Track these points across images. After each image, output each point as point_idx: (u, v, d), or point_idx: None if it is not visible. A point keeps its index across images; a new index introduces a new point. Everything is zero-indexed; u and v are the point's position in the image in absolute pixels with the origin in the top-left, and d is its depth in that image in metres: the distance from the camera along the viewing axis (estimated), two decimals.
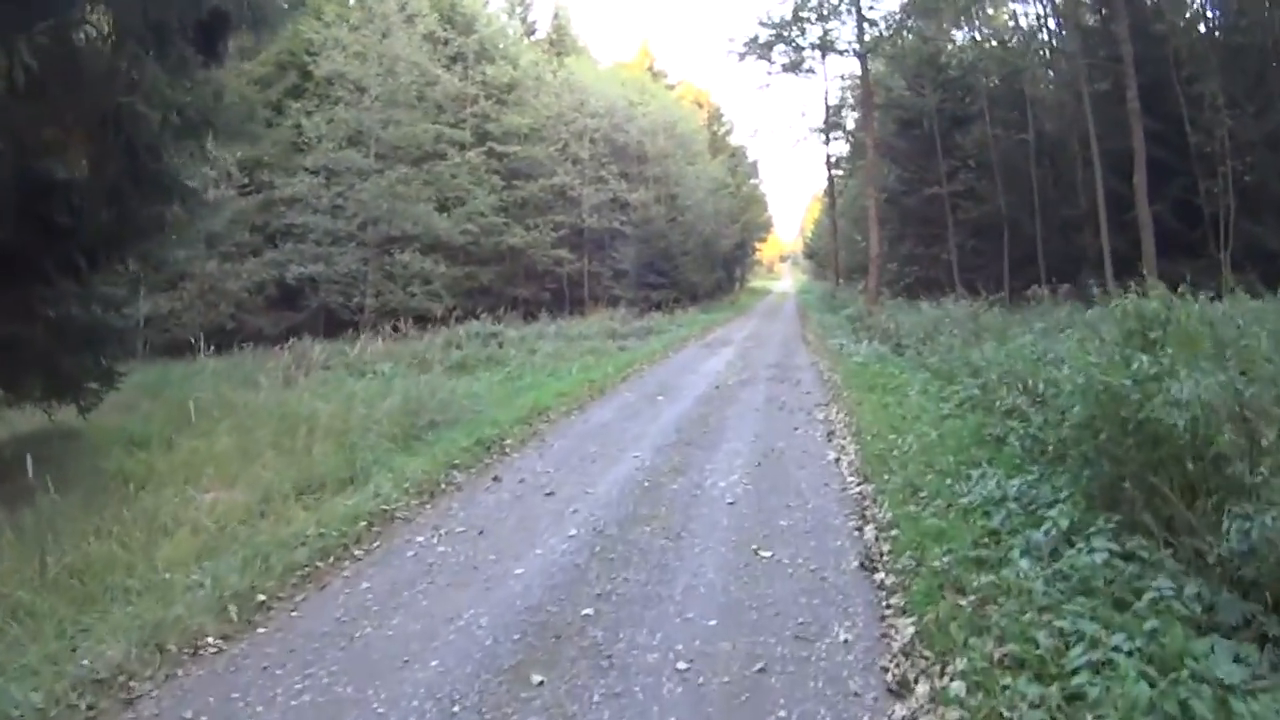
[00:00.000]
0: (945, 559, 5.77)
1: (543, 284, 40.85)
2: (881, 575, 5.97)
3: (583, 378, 16.93)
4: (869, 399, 12.87)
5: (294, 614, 5.81)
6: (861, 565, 6.21)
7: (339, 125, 30.68)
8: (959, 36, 38.96)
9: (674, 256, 41.08)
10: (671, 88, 58.19)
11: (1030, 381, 9.04)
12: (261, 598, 5.99)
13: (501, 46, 41.55)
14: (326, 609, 5.86)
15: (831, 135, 42.87)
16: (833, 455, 9.85)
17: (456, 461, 9.83)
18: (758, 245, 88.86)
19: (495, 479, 9.35)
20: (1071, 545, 5.43)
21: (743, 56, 30.86)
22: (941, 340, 16.15)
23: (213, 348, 21.57)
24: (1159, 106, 26.24)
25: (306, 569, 6.58)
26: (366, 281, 30.33)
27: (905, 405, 12.00)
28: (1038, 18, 36.06)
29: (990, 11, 37.54)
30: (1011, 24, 37.91)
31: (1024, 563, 5.41)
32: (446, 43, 38.32)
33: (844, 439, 10.69)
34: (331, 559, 6.87)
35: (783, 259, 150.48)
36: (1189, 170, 26.18)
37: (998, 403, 9.59)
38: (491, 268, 38.55)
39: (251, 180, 29.70)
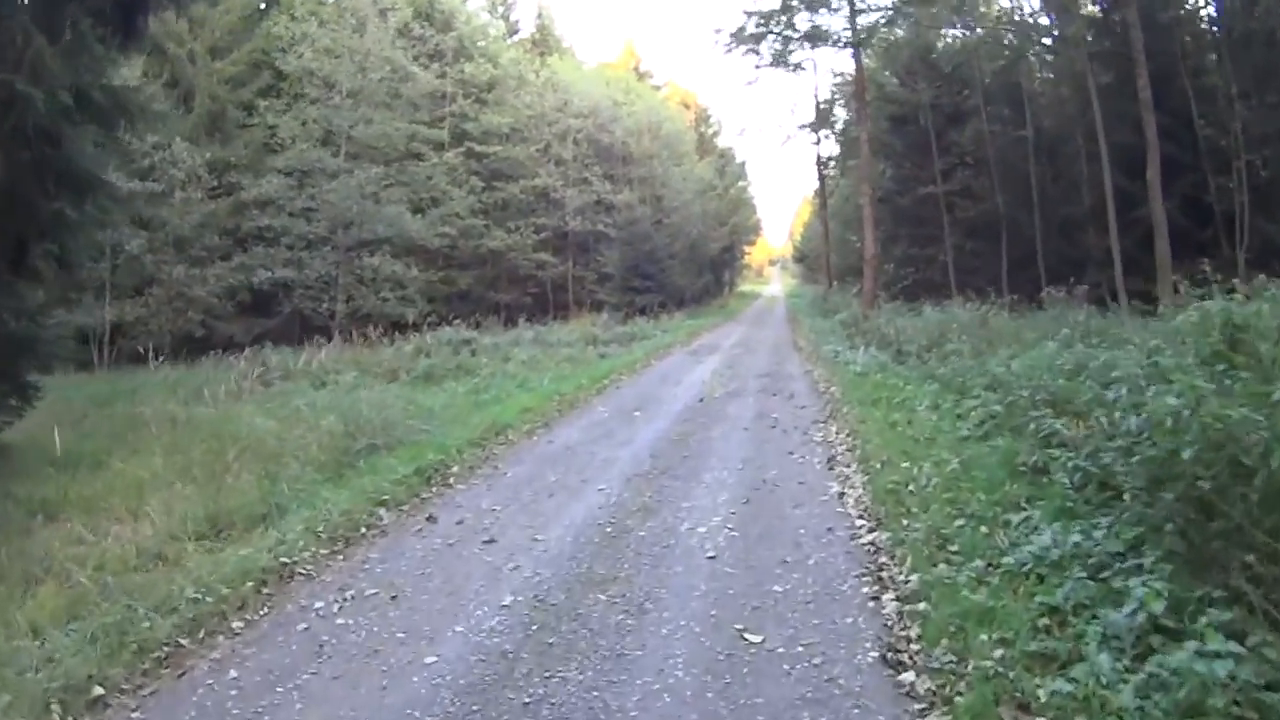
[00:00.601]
0: (997, 653, 4.22)
1: (525, 288, 39.33)
2: (912, 676, 4.37)
3: (554, 390, 15.32)
4: (873, 415, 11.29)
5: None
6: (883, 658, 4.61)
7: (309, 125, 29.07)
8: (952, 33, 37.48)
9: (660, 260, 39.45)
10: (658, 88, 56.64)
11: (1074, 401, 7.47)
12: (99, 691, 4.55)
13: (481, 44, 39.89)
14: (173, 712, 4.41)
15: (822, 133, 41.37)
16: (835, 489, 8.26)
17: (386, 496, 8.24)
18: (746, 249, 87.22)
19: (429, 519, 7.78)
20: (1165, 633, 3.98)
21: (729, 49, 29.24)
22: (949, 347, 14.61)
23: (179, 356, 20.70)
24: (1166, 100, 24.74)
25: (167, 648, 5.07)
26: (337, 286, 28.68)
27: (916, 424, 10.45)
28: (1033, 10, 34.61)
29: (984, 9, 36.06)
30: (1007, 16, 36.33)
31: (1103, 659, 3.91)
32: (424, 40, 36.83)
33: (848, 466, 9.10)
34: (202, 633, 5.33)
35: (772, 263, 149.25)
36: (1198, 166, 24.76)
37: (1031, 425, 8.00)
38: (471, 272, 37.05)
39: (221, 183, 28.24)
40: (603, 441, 10.97)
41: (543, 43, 48.50)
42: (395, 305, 29.53)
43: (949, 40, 36.74)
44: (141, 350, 22.10)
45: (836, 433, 10.96)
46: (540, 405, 13.72)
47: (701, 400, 14.18)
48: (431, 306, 32.69)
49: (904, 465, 8.39)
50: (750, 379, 16.98)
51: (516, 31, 48.62)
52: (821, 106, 39.60)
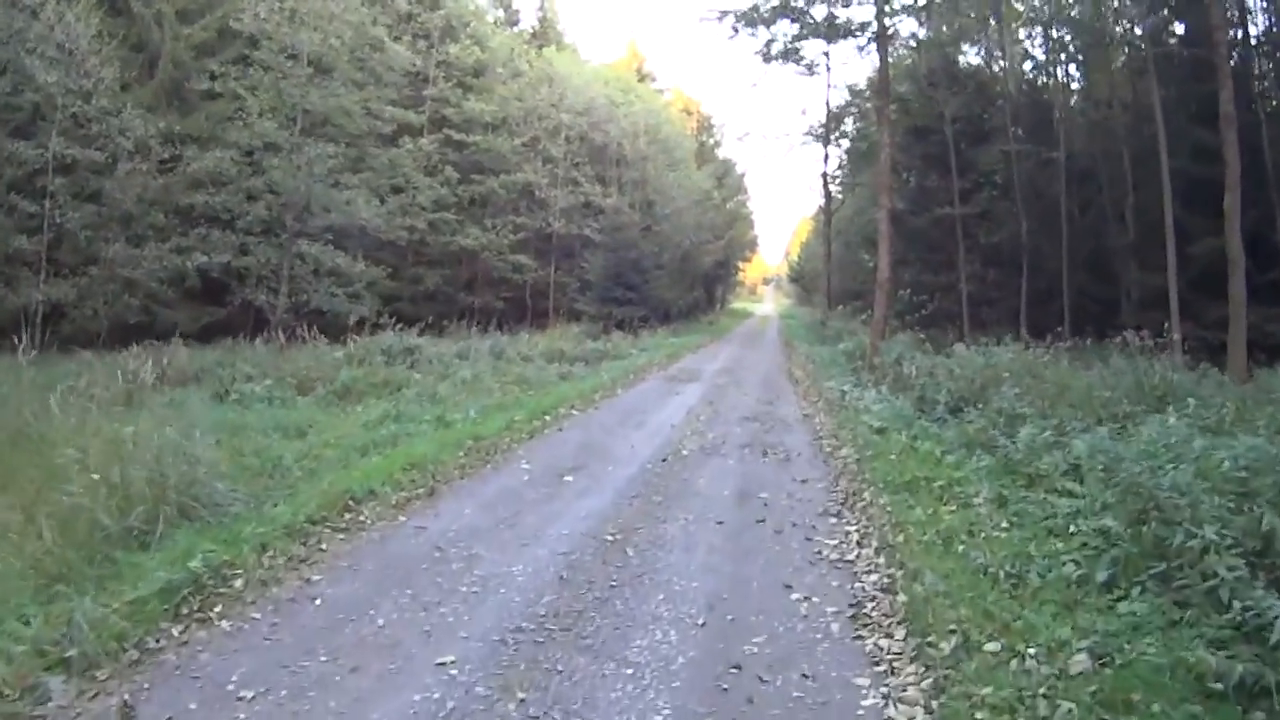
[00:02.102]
0: None
1: (499, 292, 35.37)
2: None
3: (470, 431, 11.31)
4: (912, 516, 7.29)
5: None
6: None
7: (259, 93, 25.13)
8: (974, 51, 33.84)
9: (645, 270, 35.37)
10: (660, 92, 52.94)
11: None
12: None
13: (471, 25, 35.99)
14: None
15: (831, 143, 37.37)
16: (878, 694, 4.34)
17: (70, 653, 4.33)
18: (741, 265, 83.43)
19: None
20: None
21: (735, 33, 25.32)
22: (998, 404, 10.73)
23: (115, 344, 18.05)
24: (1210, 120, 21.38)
25: None
26: (281, 277, 24.68)
27: (983, 539, 6.57)
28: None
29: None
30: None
31: None
32: (410, 18, 33.03)
33: (889, 633, 5.14)
34: None
35: (766, 281, 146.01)
36: (1266, 198, 21.00)
37: (1205, 581, 4.22)
38: (440, 270, 33.06)
39: (176, 157, 24.48)
40: (489, 540, 6.96)
41: (543, 35, 45.01)
42: (343, 302, 25.52)
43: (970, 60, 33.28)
44: (84, 334, 20.00)
45: (859, 542, 6.98)
46: (442, 456, 9.76)
47: (665, 459, 10.20)
48: (395, 306, 28.93)
49: (990, 647, 4.56)
50: (734, 424, 13.07)
51: (516, 22, 45.05)
52: (834, 111, 35.63)
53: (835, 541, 6.98)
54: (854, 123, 35.39)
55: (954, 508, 7.54)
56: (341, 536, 6.95)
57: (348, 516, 7.40)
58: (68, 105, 20.24)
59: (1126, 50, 28.13)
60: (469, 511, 7.77)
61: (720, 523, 7.49)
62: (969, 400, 12.11)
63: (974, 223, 29.85)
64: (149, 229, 23.64)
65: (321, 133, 26.20)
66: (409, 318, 27.03)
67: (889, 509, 7.56)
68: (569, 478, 9.17)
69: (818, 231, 66.52)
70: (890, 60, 24.81)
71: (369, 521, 7.34)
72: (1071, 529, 6.47)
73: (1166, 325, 21.26)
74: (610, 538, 6.95)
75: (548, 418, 12.99)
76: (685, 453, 10.62)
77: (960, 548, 6.31)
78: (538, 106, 36.86)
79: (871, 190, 36.44)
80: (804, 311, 64.80)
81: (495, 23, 41.63)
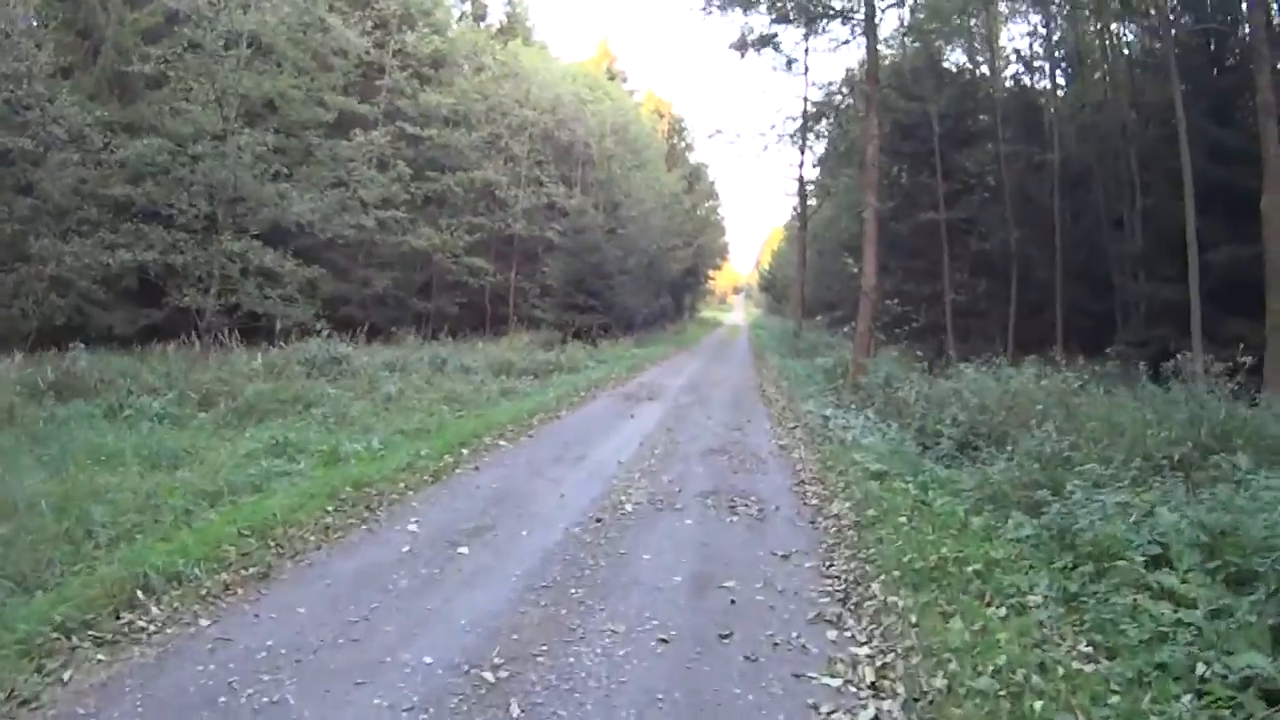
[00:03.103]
0: None
1: (454, 297, 32.71)
2: None
3: (358, 472, 8.76)
4: (952, 634, 4.78)
5: None
6: None
7: (193, 77, 22.47)
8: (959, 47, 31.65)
9: (609, 275, 32.62)
10: (631, 93, 50.42)
11: None
12: None
13: (430, 14, 33.33)
14: None
15: (809, 142, 34.95)
16: None
17: None
18: (712, 273, 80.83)
19: None
20: None
21: (708, 9, 22.93)
22: (1035, 445, 8.35)
23: (40, 347, 16.71)
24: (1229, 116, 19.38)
25: None
26: (212, 277, 21.98)
27: (1065, 675, 4.24)
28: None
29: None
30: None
31: None
32: (366, 3, 30.36)
33: None
34: None
35: (736, 290, 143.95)
36: None
37: None
38: (390, 273, 30.29)
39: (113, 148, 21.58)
40: (314, 670, 4.50)
41: (510, 31, 42.34)
42: (277, 305, 22.83)
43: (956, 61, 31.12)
44: (17, 335, 18.23)
45: (876, 685, 4.47)
46: (302, 512, 7.25)
47: (600, 520, 7.63)
48: (343, 310, 27.08)
49: None
50: (696, 459, 10.60)
51: (484, 16, 42.44)
52: (811, 110, 33.15)
53: (838, 682, 4.48)
54: (834, 119, 32.95)
55: (1003, 612, 5.09)
56: (102, 656, 4.47)
57: (126, 618, 4.90)
58: None
59: (1131, 45, 26.04)
60: (304, 611, 5.25)
61: (664, 640, 4.96)
62: (986, 436, 9.73)
63: (959, 229, 27.62)
64: (82, 223, 21.22)
65: (264, 122, 23.71)
66: (356, 323, 25.03)
67: (913, 619, 5.07)
68: (464, 548, 6.67)
69: (791, 238, 64.34)
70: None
71: (153, 629, 4.85)
72: (1200, 669, 4.08)
73: (1174, 345, 19.16)
74: (490, 678, 4.40)
75: (465, 451, 10.45)
76: (629, 507, 8.09)
77: (1037, 704, 3.85)
78: (501, 102, 34.32)
79: (852, 191, 34.32)
80: (775, 321, 62.39)
81: (461, 17, 39.22)
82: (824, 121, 33.95)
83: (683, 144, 57.16)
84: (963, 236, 28.02)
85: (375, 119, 30.17)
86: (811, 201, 38.74)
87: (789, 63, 29.14)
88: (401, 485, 8.62)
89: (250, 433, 10.97)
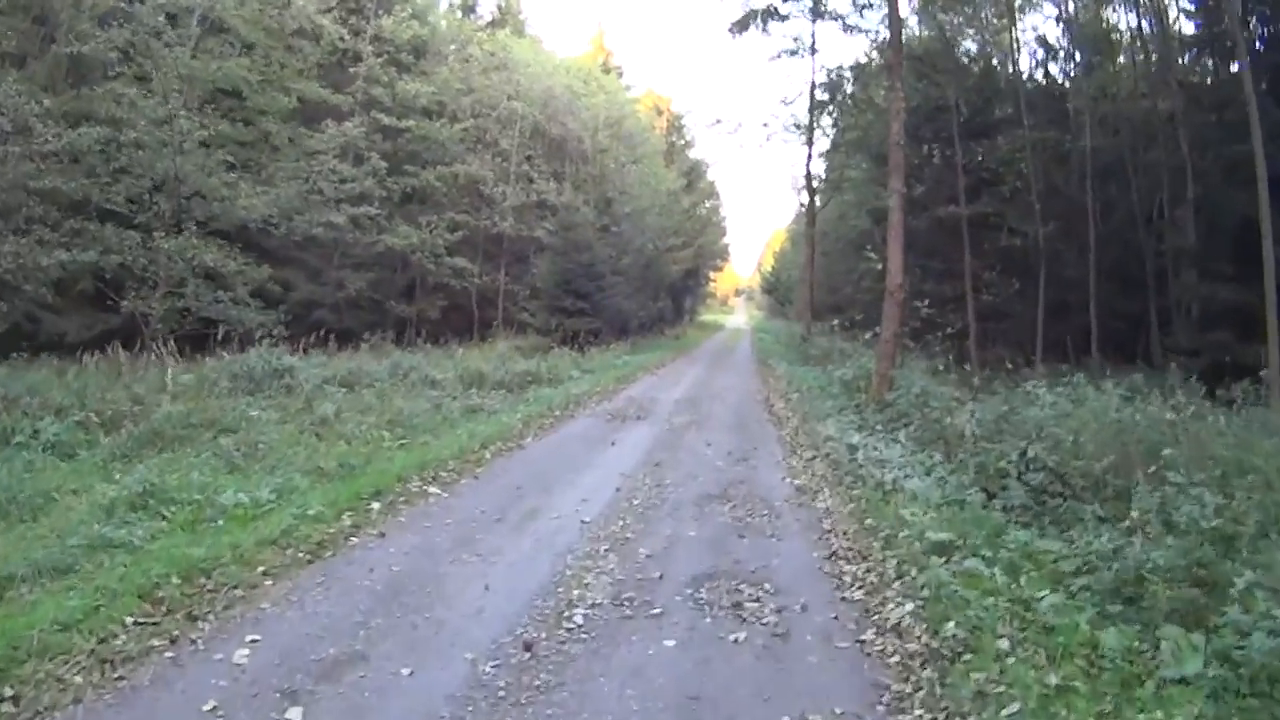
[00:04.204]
0: None
1: (436, 300, 29.90)
2: None
3: (211, 548, 6.05)
4: None
5: None
6: None
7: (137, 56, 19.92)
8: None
9: (600, 276, 29.54)
10: (628, 88, 47.50)
11: None
12: None
13: None
14: None
15: (818, 127, 32.03)
16: None
17: None
18: (712, 275, 77.76)
19: None
20: None
21: None
22: (1183, 507, 5.61)
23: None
24: None
25: None
26: (159, 279, 19.29)
27: None
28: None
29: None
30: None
31: None
32: None
33: None
34: None
35: (738, 293, 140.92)
36: None
37: None
38: (365, 274, 27.47)
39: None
40: None
41: (501, 23, 39.49)
42: (228, 308, 20.10)
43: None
44: None
45: None
46: (91, 620, 4.63)
47: (529, 647, 4.76)
48: (316, 315, 24.52)
49: None
50: (687, 516, 7.76)
51: (474, 8, 39.63)
52: (820, 94, 30.29)
53: None
54: (848, 99, 30.11)
55: None
56: None
57: None
58: None
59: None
60: None
61: None
62: (1078, 484, 6.98)
63: (981, 225, 24.86)
64: (31, 222, 18.28)
65: (219, 109, 21.11)
66: (328, 328, 22.13)
67: None
68: (296, 711, 3.92)
69: (795, 239, 61.52)
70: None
71: None
72: None
73: (1234, 353, 16.44)
74: None
75: (376, 506, 7.63)
76: (581, 611, 5.26)
77: None
78: (488, 94, 31.52)
79: (863, 185, 31.56)
80: (779, 325, 59.36)
81: (450, 6, 36.58)
82: (832, 111, 31.14)
83: (682, 141, 54.23)
84: (985, 233, 25.30)
85: (351, 109, 27.40)
86: (817, 200, 35.89)
87: (795, 43, 26.27)
88: (261, 570, 5.85)
89: (120, 475, 8.24)
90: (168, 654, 4.59)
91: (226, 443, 9.67)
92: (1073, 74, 27.86)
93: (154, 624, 4.91)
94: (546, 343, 26.13)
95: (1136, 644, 4.52)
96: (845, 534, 7.12)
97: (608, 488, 8.69)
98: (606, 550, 6.52)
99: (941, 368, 15.44)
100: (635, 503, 8.08)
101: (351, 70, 27.94)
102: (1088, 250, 22.61)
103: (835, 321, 22.61)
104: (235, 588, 5.50)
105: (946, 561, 5.98)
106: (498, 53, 33.16)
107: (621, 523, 7.33)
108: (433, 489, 8.38)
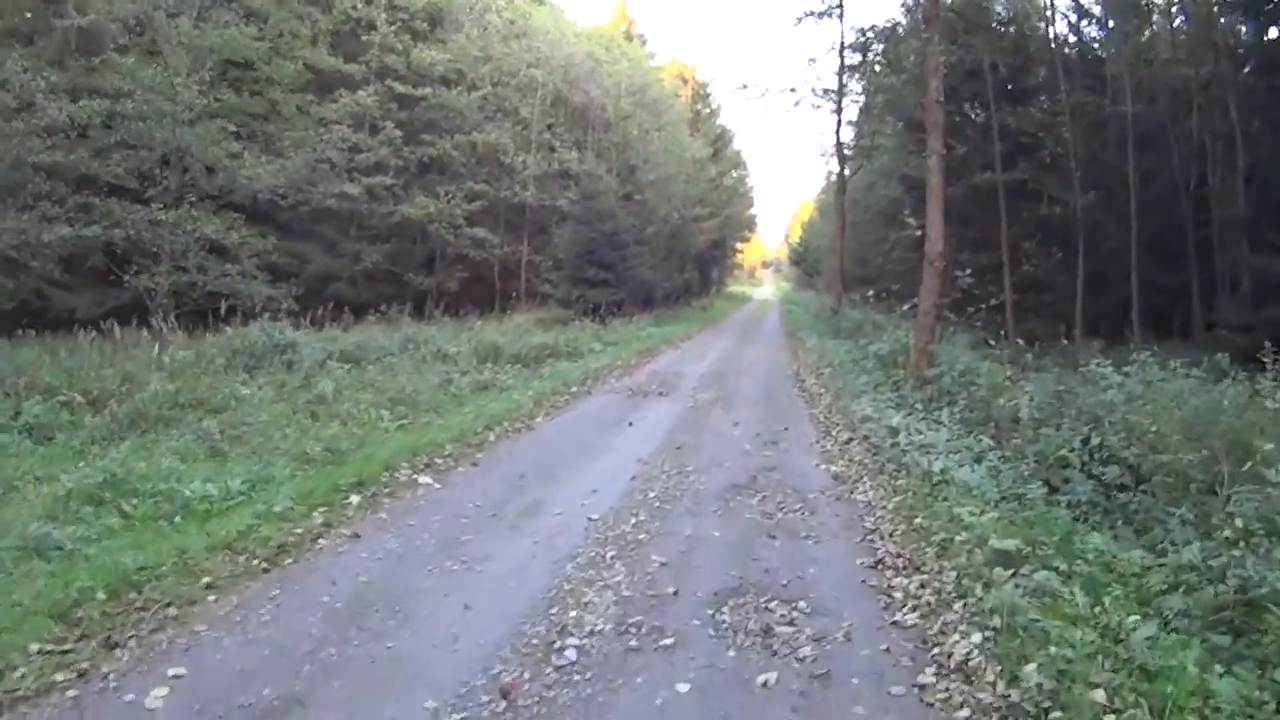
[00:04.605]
0: None
1: (454, 271, 28.92)
2: None
3: (156, 552, 5.20)
4: None
5: None
6: None
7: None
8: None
9: (624, 245, 28.34)
10: (652, 55, 46.07)
11: None
12: None
13: None
14: None
15: (848, 91, 30.58)
16: None
17: None
18: (740, 246, 76.15)
19: None
20: None
21: None
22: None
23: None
24: None
25: None
26: (162, 254, 18.49)
27: None
28: None
29: None
30: None
31: None
32: None
33: None
34: None
35: (765, 264, 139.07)
36: None
37: None
38: (381, 246, 26.55)
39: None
40: None
41: None
42: (236, 281, 19.30)
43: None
44: None
45: None
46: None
47: (507, 695, 3.79)
48: (333, 288, 24.01)
49: None
50: (709, 511, 6.79)
51: None
52: (849, 53, 28.84)
53: None
54: (881, 55, 28.66)
55: None
56: None
57: None
58: None
59: None
60: None
61: None
62: (1154, 479, 5.96)
63: (1017, 193, 23.56)
64: (39, 198, 17.87)
65: (228, 81, 20.31)
66: (344, 302, 21.89)
67: None
68: None
69: (823, 209, 60.05)
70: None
71: None
72: None
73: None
74: None
75: (355, 499, 6.70)
76: (574, 643, 4.25)
77: None
78: (507, 62, 30.35)
79: (894, 151, 30.21)
80: (808, 297, 57.93)
81: None
82: (863, 73, 29.69)
83: (707, 110, 52.69)
84: (1021, 201, 23.99)
85: (365, 78, 26.44)
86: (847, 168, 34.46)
87: (823, 4, 24.89)
88: (205, 582, 4.95)
89: (90, 461, 7.41)
90: (70, 692, 3.73)
91: (211, 424, 8.81)
92: (1109, 38, 26.39)
93: (63, 653, 4.04)
94: (568, 315, 25.16)
95: (1256, 693, 3.53)
96: (891, 536, 6.11)
97: (622, 477, 7.71)
98: (614, 557, 5.54)
99: (984, 342, 14.36)
100: (651, 495, 7.10)
101: (365, 39, 26.93)
102: (1127, 220, 21.34)
103: (870, 292, 21.46)
104: (169, 605, 4.61)
105: (1013, 574, 4.98)
106: (517, 20, 32.07)
107: (634, 520, 6.35)
108: (424, 478, 7.44)
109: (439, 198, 26.87)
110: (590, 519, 6.37)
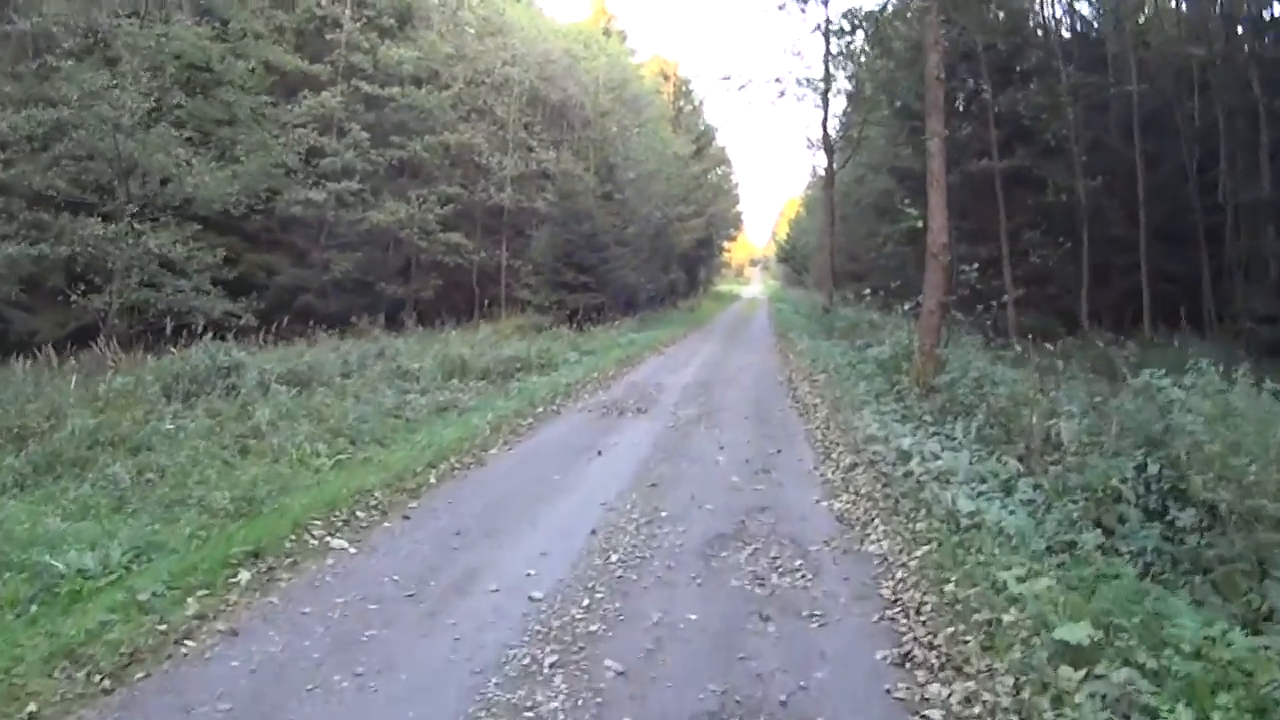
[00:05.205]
0: None
1: (428, 280, 27.51)
2: None
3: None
4: None
5: None
6: None
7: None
8: None
9: (604, 247, 26.89)
10: (632, 52, 44.64)
11: None
12: None
13: None
14: None
15: (835, 80, 29.28)
16: None
17: None
18: (726, 245, 74.58)
19: None
20: None
21: None
22: None
23: None
24: None
25: None
26: (113, 270, 17.10)
27: None
28: None
29: None
30: None
31: None
32: None
33: None
34: None
35: (753, 263, 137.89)
36: None
37: None
38: (351, 254, 25.08)
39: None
40: None
41: None
42: (189, 297, 17.94)
43: None
44: None
45: None
46: None
47: None
48: (302, 300, 22.75)
49: None
50: (685, 579, 5.38)
51: None
52: (834, 40, 27.50)
53: None
54: (860, 54, 27.39)
55: None
56: None
57: None
58: None
59: None
60: None
61: None
62: (1235, 522, 4.65)
63: (1016, 181, 22.27)
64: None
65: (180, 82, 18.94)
66: (316, 314, 20.86)
67: None
68: None
69: (809, 205, 58.82)
70: None
71: None
72: None
73: None
74: None
75: (244, 577, 5.26)
76: None
77: None
78: (482, 59, 28.95)
79: (878, 148, 29.00)
80: (797, 295, 56.55)
81: None
82: (852, 58, 28.39)
83: (690, 107, 51.33)
84: (1019, 190, 22.68)
85: (331, 79, 25.07)
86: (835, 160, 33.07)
87: None
88: (28, 712, 3.66)
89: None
90: None
91: (119, 469, 7.44)
92: (1105, 15, 25.15)
93: None
94: (545, 321, 23.79)
95: None
96: (919, 612, 4.73)
97: (580, 530, 6.29)
98: (554, 665, 4.11)
99: (986, 341, 13.06)
100: (614, 558, 5.66)
101: (329, 37, 25.51)
102: (1133, 207, 20.14)
103: (867, 292, 20.10)
104: None
105: (1087, 675, 3.64)
106: (491, 17, 30.72)
107: (588, 601, 4.94)
108: (338, 540, 6.01)
109: (410, 202, 25.47)
110: (532, 598, 4.94)
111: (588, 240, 26.03)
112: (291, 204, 22.56)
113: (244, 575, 5.30)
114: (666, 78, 49.95)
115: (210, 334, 14.56)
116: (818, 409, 11.91)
